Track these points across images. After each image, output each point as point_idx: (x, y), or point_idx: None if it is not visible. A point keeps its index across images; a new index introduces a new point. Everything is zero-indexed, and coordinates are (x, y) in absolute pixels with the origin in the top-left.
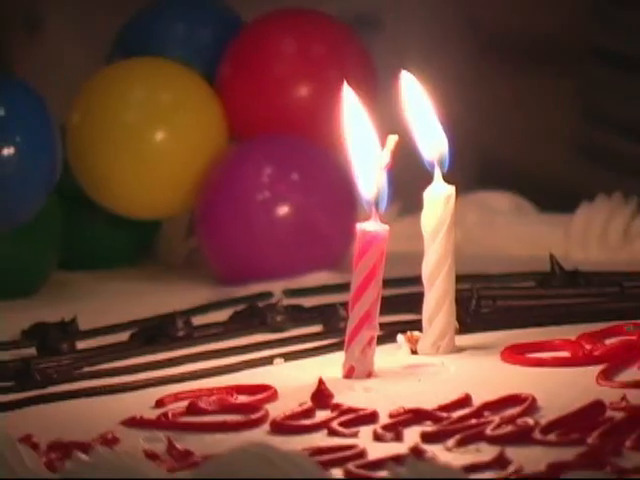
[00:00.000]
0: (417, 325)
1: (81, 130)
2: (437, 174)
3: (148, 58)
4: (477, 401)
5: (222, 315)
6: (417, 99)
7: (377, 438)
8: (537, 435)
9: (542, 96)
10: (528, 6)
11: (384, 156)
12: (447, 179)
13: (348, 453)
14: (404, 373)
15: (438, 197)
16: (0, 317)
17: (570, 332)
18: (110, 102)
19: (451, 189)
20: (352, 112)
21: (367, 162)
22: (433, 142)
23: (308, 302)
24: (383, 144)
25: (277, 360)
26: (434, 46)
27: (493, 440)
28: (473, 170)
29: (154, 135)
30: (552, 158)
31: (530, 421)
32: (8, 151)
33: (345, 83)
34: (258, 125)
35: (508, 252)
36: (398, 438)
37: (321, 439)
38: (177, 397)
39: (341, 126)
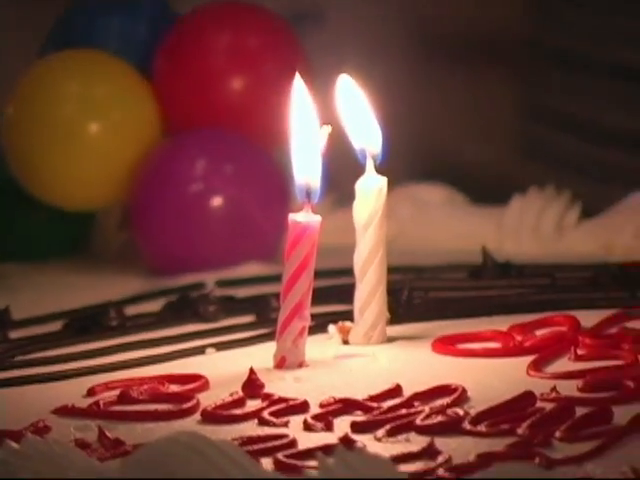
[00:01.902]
0: (349, 316)
1: (16, 122)
2: (370, 166)
3: (83, 51)
4: (407, 391)
5: (155, 305)
6: (351, 93)
7: (307, 428)
8: (467, 426)
9: (479, 90)
10: (470, 4)
11: (318, 146)
12: (380, 171)
13: (278, 443)
14: (335, 363)
15: (370, 189)
16: None
17: (501, 323)
18: (45, 95)
19: (383, 181)
20: (299, 103)
21: (303, 152)
22: (366, 135)
23: (240, 293)
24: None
25: (209, 350)
26: (376, 42)
27: (423, 430)
28: (408, 163)
29: (89, 128)
30: (487, 151)
31: (460, 412)
32: None
33: (297, 74)
34: (193, 118)
35: (441, 245)
36: (328, 428)
37: (252, 429)
38: (109, 386)
39: (278, 118)
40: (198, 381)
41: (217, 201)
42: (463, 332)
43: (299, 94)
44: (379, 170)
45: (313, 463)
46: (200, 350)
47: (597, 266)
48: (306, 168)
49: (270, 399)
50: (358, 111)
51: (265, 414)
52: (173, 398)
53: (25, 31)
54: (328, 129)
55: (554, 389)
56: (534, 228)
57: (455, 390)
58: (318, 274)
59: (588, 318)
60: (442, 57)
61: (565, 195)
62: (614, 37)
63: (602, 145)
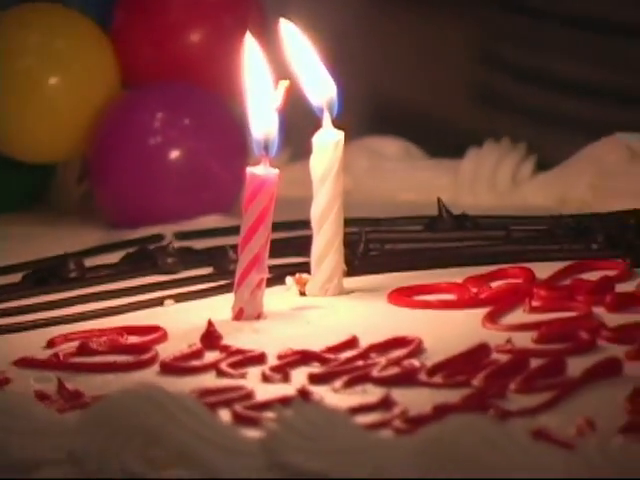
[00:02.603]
0: (306, 268)
1: None
2: (326, 120)
3: (43, 4)
4: (364, 343)
5: (114, 257)
6: (301, 46)
7: (265, 379)
8: (423, 377)
9: (437, 41)
10: None
11: (275, 100)
12: (338, 125)
13: (236, 394)
14: (293, 315)
15: (327, 143)
16: None
17: (457, 275)
18: (4, 47)
19: (340, 134)
20: (251, 57)
21: (260, 106)
22: (321, 88)
23: (198, 245)
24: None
25: (167, 302)
26: None
27: (379, 382)
28: (364, 116)
29: (48, 80)
30: (444, 103)
31: (416, 363)
32: None
33: (246, 30)
34: (151, 71)
35: (398, 197)
36: (286, 379)
37: (210, 380)
38: (68, 338)
39: (236, 71)
40: (156, 333)
41: (175, 154)
42: (419, 284)
43: (251, 48)
44: (336, 124)
45: (271, 415)
46: (159, 302)
47: (552, 218)
48: (263, 122)
49: (228, 351)
50: (310, 63)
51: (223, 366)
52: (132, 350)
53: None
54: (285, 83)
55: (509, 341)
56: (489, 180)
57: (411, 342)
58: (276, 226)
59: (543, 270)
60: (403, 8)
61: (520, 147)
62: None
63: (557, 94)
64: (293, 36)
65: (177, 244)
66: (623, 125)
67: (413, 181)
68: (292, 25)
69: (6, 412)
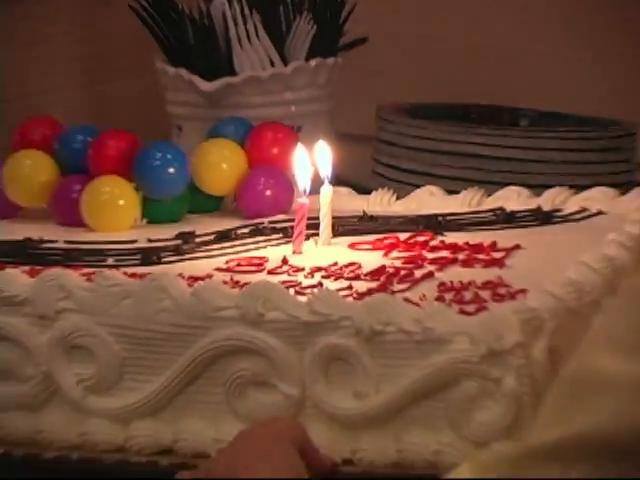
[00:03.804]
0: (316, 232)
1: None
2: (326, 182)
3: (221, 140)
4: (340, 264)
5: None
6: (322, 157)
7: (306, 276)
8: (365, 277)
9: None
10: None
11: (308, 176)
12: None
13: (292, 284)
14: (314, 251)
15: (326, 191)
16: None
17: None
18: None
19: (329, 188)
20: (300, 157)
21: (301, 177)
22: (325, 171)
23: (276, 225)
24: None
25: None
26: None
27: (354, 278)
28: None
29: (221, 166)
30: None
31: (361, 271)
32: None
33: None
34: (260, 163)
35: None
36: (311, 276)
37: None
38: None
39: (291, 163)
40: (262, 260)
41: (269, 192)
42: (361, 241)
43: (300, 152)
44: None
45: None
46: (264, 247)
47: None
48: (303, 183)
49: (290, 265)
50: (325, 165)
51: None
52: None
53: None
54: (311, 170)
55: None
56: None
57: (356, 264)
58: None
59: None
60: None
61: None
62: None
63: None
64: (321, 152)
65: (270, 225)
66: None
67: None
68: (325, 146)
69: None
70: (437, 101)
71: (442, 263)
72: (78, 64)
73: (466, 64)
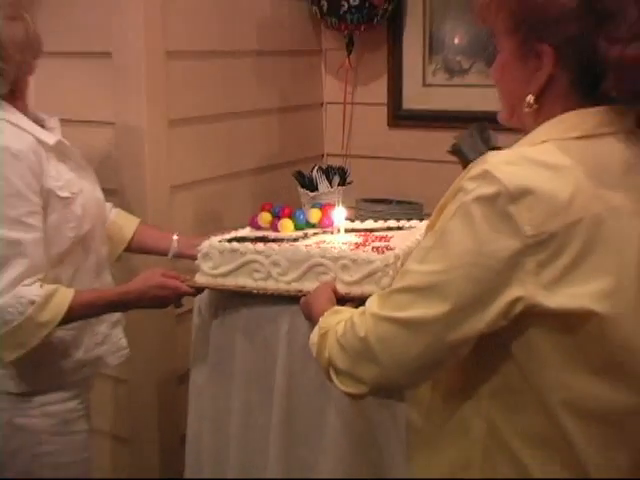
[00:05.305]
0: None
1: None
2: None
3: None
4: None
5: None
6: (340, 215)
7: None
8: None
9: None
10: None
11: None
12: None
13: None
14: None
15: (340, 217)
16: None
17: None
18: None
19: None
20: (337, 211)
21: (336, 219)
22: (339, 220)
23: None
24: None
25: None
26: None
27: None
28: None
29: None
30: None
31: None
32: None
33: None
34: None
35: None
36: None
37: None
38: None
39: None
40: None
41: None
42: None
43: (339, 210)
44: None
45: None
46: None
47: None
48: (338, 221)
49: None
50: (340, 218)
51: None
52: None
53: None
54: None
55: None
56: None
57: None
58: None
59: None
60: None
61: None
62: None
63: None
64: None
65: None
66: None
67: None
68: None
69: None
70: None
71: (374, 241)
72: None
73: None
